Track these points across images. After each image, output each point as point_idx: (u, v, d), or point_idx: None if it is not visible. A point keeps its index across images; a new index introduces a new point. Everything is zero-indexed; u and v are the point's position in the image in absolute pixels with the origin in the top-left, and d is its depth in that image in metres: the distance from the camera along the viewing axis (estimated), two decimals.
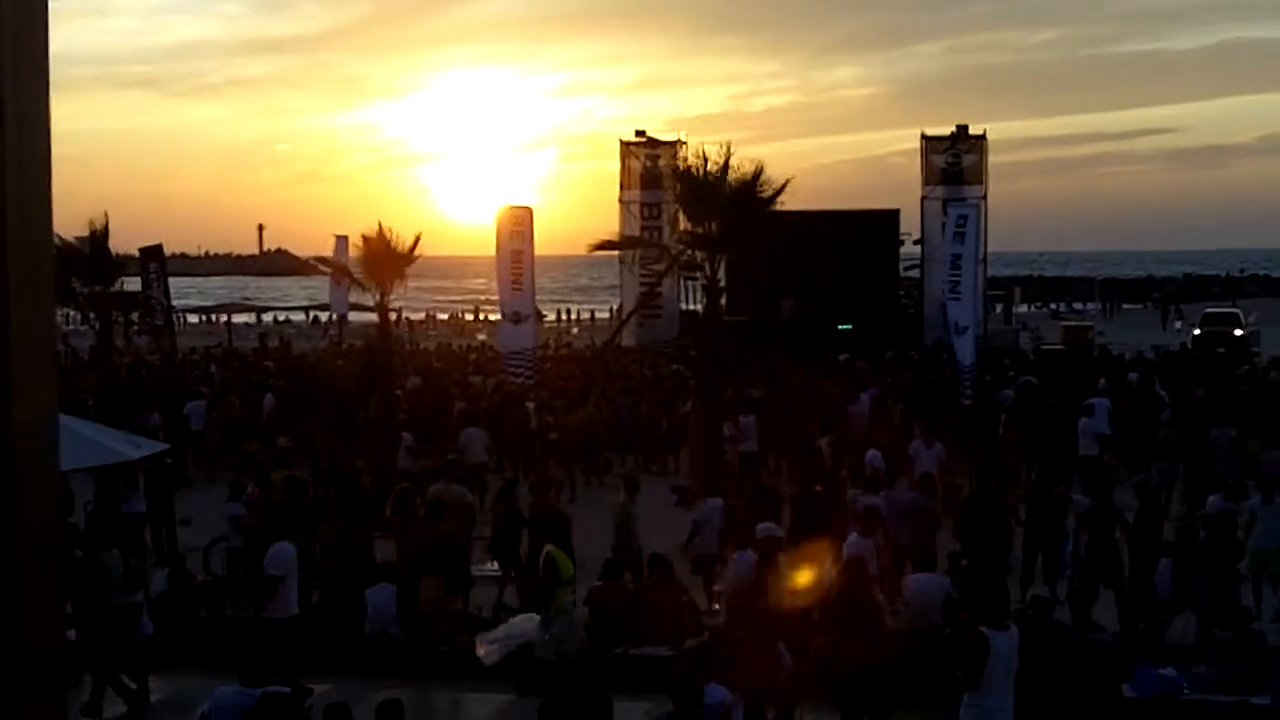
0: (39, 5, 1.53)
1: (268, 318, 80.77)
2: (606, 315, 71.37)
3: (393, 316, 30.08)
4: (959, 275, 24.56)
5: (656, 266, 41.29)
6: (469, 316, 76.97)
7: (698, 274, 25.94)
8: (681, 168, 24.93)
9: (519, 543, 17.91)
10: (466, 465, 23.04)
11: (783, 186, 23.31)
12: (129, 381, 33.12)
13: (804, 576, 14.57)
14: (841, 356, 38.75)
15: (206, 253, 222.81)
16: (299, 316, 79.80)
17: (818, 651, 12.53)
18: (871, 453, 21.58)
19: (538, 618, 15.05)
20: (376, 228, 25.77)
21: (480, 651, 14.95)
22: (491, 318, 60.60)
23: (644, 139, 51.15)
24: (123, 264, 35.44)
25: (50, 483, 1.63)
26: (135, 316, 44.98)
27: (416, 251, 26.03)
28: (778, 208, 24.20)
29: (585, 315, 79.46)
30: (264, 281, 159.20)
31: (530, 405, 26.96)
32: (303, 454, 22.81)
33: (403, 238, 25.84)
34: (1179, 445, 23.96)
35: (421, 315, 74.85)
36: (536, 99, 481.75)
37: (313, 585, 16.68)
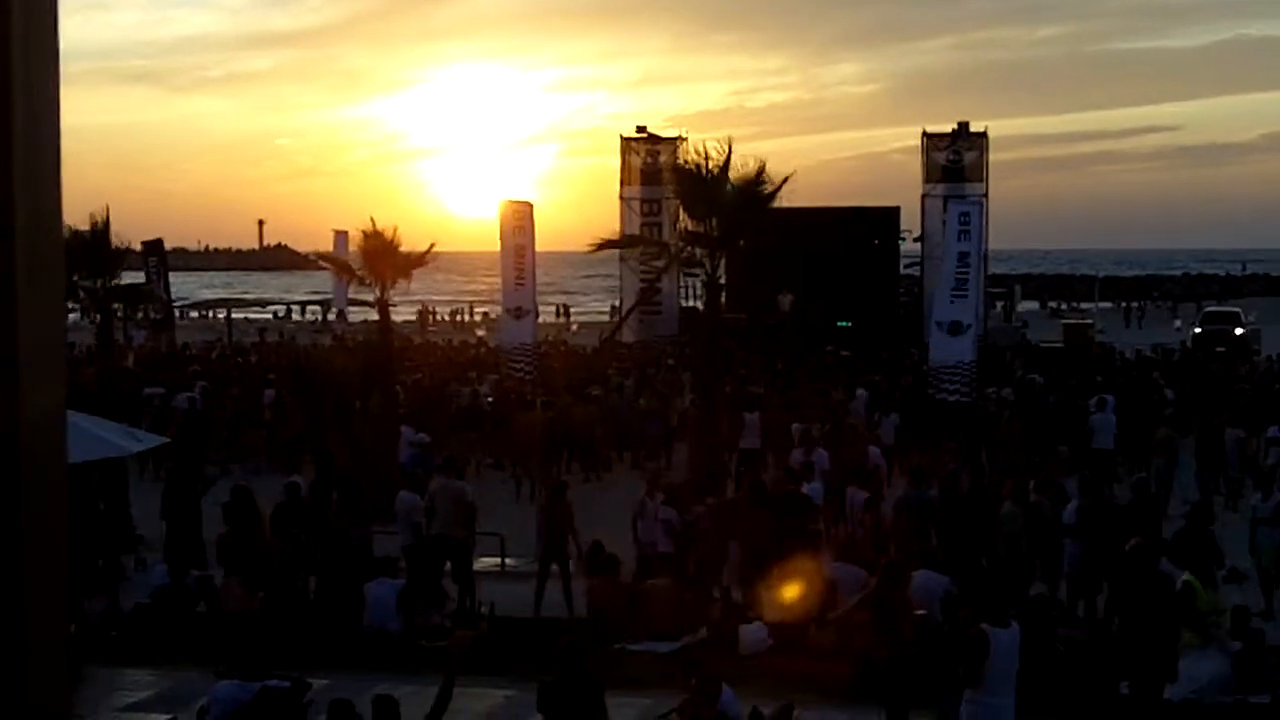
0: None
1: (267, 313, 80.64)
2: (606, 312, 71.20)
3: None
4: (966, 273, 24.53)
5: (656, 263, 41.34)
6: (465, 317, 76.83)
7: (697, 271, 25.86)
8: (682, 164, 24.82)
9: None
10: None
11: (782, 183, 23.11)
12: (144, 373, 33.39)
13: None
14: (844, 353, 38.78)
15: (207, 247, 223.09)
16: (299, 313, 79.69)
17: (868, 653, 12.46)
18: (872, 449, 21.54)
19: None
20: (370, 223, 25.73)
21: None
22: (491, 315, 60.52)
23: (645, 135, 51.11)
24: (123, 257, 35.42)
25: (58, 480, 1.63)
26: (142, 310, 44.83)
27: (421, 252, 25.95)
28: (778, 204, 24.07)
29: (584, 313, 79.34)
30: (264, 276, 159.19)
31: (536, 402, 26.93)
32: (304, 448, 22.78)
33: (400, 234, 25.77)
34: (1178, 443, 23.95)
35: (413, 315, 73.62)
36: (538, 94, 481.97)
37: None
